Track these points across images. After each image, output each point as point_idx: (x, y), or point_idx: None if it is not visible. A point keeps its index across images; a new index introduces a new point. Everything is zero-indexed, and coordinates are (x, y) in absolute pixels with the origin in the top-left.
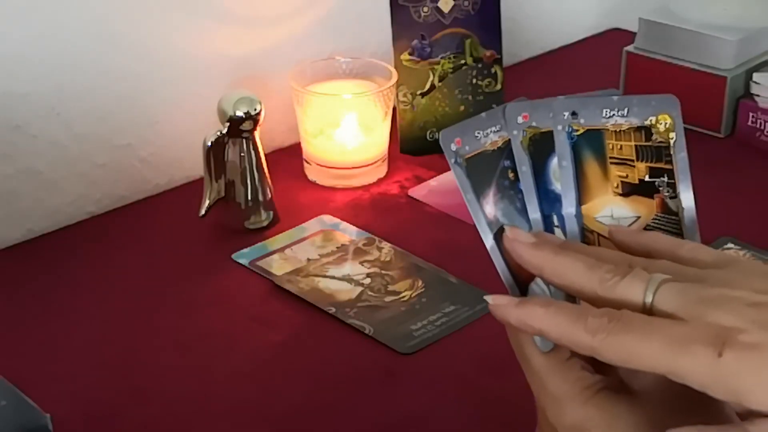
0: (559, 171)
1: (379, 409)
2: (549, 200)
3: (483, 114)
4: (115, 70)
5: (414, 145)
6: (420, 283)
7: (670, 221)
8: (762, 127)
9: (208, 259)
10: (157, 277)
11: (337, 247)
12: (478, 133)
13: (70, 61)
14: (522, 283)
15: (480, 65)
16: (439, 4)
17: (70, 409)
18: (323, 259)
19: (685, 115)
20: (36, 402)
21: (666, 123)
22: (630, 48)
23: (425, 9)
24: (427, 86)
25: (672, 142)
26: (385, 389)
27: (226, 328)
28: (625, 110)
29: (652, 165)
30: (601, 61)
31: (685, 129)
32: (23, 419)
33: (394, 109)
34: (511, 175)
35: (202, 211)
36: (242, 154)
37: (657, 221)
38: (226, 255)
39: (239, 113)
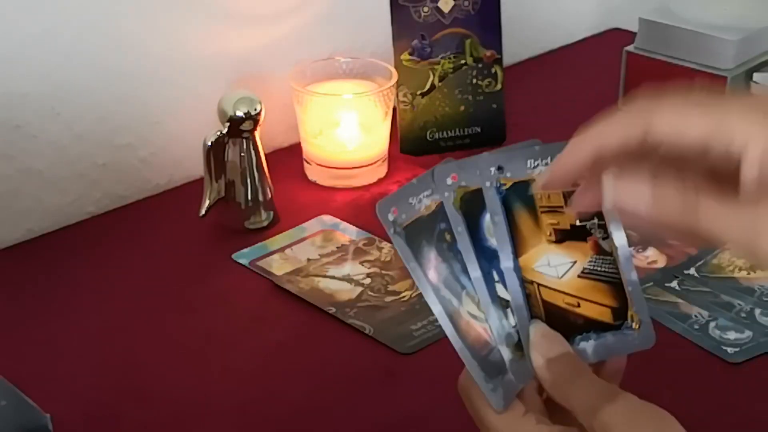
0: (493, 227)
1: (379, 409)
2: (487, 257)
3: (414, 180)
4: (115, 69)
5: (414, 145)
6: None
7: (606, 261)
8: None
9: (208, 259)
10: (157, 277)
11: (337, 247)
12: (412, 199)
13: (70, 61)
14: (473, 346)
15: (480, 65)
16: (439, 4)
17: (70, 409)
18: (323, 259)
19: None
20: (36, 402)
21: None
22: (630, 48)
23: (425, 9)
24: (427, 86)
25: None
26: (385, 389)
27: (226, 328)
28: (549, 158)
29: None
30: (601, 61)
31: None
32: (23, 419)
33: (394, 109)
34: (448, 237)
35: (202, 211)
36: (242, 154)
37: (593, 263)
38: (226, 255)
39: (239, 113)
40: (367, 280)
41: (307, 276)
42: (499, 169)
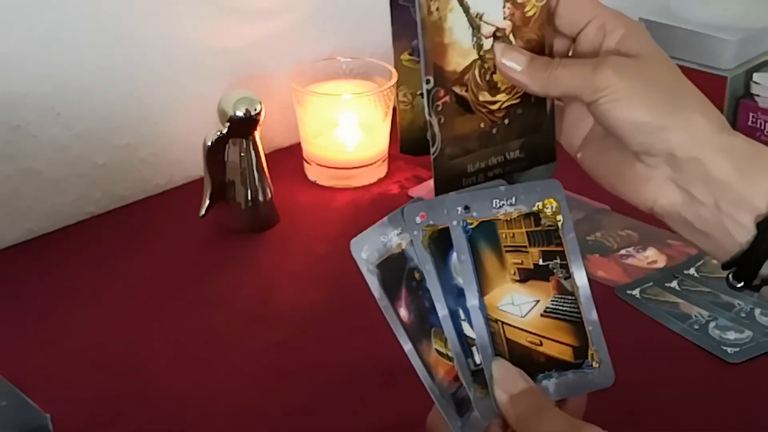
0: (459, 265)
1: (379, 409)
2: (454, 295)
3: (385, 219)
4: (115, 70)
5: (414, 145)
6: None
7: (567, 301)
8: (762, 127)
9: (208, 259)
10: (157, 277)
11: None
12: (384, 238)
13: (70, 61)
14: (442, 383)
15: None
16: None
17: (70, 409)
18: None
19: None
20: (36, 402)
21: (552, 207)
22: None
23: None
24: None
25: (560, 224)
26: (385, 389)
27: (226, 328)
28: (513, 199)
29: (544, 249)
30: None
31: None
32: (23, 419)
33: (394, 109)
34: (417, 275)
35: (202, 211)
36: (242, 154)
37: (555, 302)
38: (226, 255)
39: (239, 113)
40: (488, 43)
41: None
42: (466, 208)
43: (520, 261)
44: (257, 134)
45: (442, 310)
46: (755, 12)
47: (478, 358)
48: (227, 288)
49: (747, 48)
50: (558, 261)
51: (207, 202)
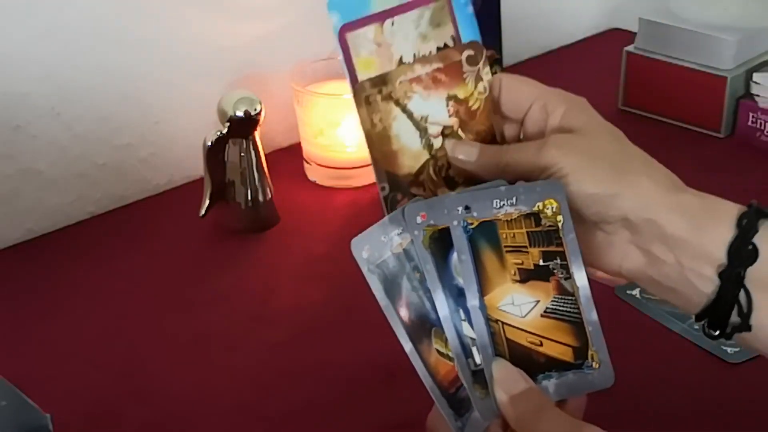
0: (459, 265)
1: (379, 409)
2: (454, 295)
3: (386, 218)
4: (115, 70)
5: None
6: None
7: (567, 301)
8: (762, 127)
9: (208, 259)
10: (157, 277)
11: (439, 49)
12: (384, 237)
13: (70, 61)
14: (442, 383)
15: None
16: None
17: (70, 409)
18: (416, 68)
19: (685, 115)
20: (36, 402)
21: (553, 207)
22: (630, 48)
23: None
24: None
25: (560, 225)
26: (385, 389)
27: (226, 328)
28: (514, 199)
29: (545, 249)
30: (601, 61)
31: (685, 129)
32: (23, 419)
33: None
34: (417, 275)
35: (202, 211)
36: (242, 154)
37: (555, 303)
38: (226, 255)
39: (239, 113)
40: (437, 142)
41: (387, 98)
42: (467, 208)
43: (520, 261)
44: (257, 134)
45: (442, 310)
46: (755, 12)
47: (478, 359)
48: (227, 288)
49: (747, 48)
50: (558, 261)
51: (207, 202)
